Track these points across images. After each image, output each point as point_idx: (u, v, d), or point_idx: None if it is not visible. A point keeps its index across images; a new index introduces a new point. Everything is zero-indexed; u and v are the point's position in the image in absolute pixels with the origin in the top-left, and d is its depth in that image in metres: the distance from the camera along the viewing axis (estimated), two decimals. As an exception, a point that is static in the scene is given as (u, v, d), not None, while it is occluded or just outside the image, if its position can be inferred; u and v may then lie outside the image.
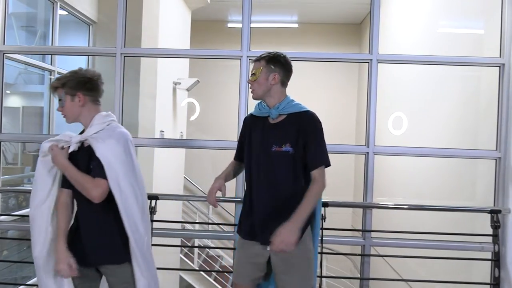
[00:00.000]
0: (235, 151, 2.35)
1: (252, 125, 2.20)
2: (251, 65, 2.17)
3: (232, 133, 3.06)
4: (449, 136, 4.23)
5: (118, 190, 1.92)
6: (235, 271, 2.20)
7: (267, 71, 2.10)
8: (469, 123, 3.87)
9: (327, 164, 2.12)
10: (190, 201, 7.86)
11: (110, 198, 1.93)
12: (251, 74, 2.14)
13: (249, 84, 2.16)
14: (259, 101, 2.19)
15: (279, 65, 2.12)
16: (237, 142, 2.34)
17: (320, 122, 2.15)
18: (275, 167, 2.08)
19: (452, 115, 4.23)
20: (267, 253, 2.09)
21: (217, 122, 7.29)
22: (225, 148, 3.08)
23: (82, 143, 2.01)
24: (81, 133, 2.07)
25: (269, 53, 2.14)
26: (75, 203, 2.05)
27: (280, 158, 2.07)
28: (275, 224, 1.96)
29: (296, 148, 2.07)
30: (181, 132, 6.67)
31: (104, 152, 1.91)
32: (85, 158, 1.97)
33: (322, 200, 2.96)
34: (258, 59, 2.14)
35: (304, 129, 2.08)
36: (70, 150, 1.99)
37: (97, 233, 2.00)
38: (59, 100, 2.02)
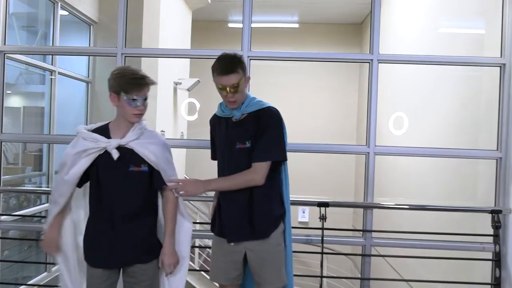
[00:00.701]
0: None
1: (216, 125, 2.24)
2: (227, 78, 2.04)
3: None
4: (449, 136, 4.23)
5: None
6: (211, 271, 2.21)
7: (244, 78, 2.10)
8: (470, 123, 3.86)
9: (273, 159, 2.09)
10: (190, 201, 7.86)
11: (154, 198, 2.07)
12: (233, 87, 2.04)
13: (231, 95, 2.06)
14: (222, 102, 2.19)
15: (245, 66, 2.12)
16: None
17: (279, 117, 2.13)
18: (239, 164, 2.09)
19: (453, 115, 4.23)
20: (242, 249, 2.11)
21: None
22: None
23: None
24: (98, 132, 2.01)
25: (236, 58, 2.08)
26: (98, 200, 2.00)
27: (243, 155, 2.09)
28: (242, 221, 2.07)
29: (254, 144, 2.10)
30: (182, 132, 6.67)
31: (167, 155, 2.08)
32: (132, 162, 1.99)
33: (322, 200, 2.97)
34: (234, 70, 2.04)
35: (260, 124, 2.09)
36: (114, 156, 1.95)
37: (142, 232, 2.03)
38: (145, 99, 1.98)
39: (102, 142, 1.95)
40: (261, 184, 2.06)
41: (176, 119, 6.29)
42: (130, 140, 1.98)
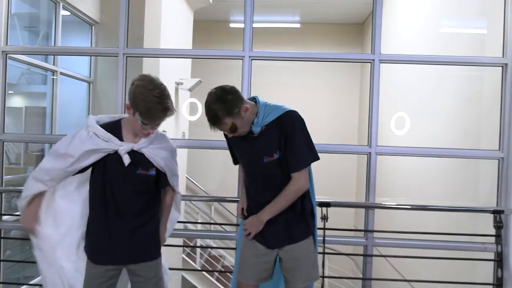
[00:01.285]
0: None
1: (231, 139, 2.19)
2: (219, 128, 2.02)
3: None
4: (451, 136, 4.23)
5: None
6: (241, 270, 2.20)
7: (238, 115, 2.00)
8: (471, 123, 3.86)
9: (309, 163, 2.11)
10: (192, 201, 7.87)
11: (157, 195, 2.11)
12: (231, 129, 2.01)
13: (235, 134, 2.05)
14: None
15: (235, 99, 1.99)
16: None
17: (300, 120, 2.09)
18: (271, 175, 2.10)
19: (454, 115, 4.22)
20: (274, 253, 2.15)
21: None
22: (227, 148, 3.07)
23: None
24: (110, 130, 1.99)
25: (218, 104, 1.96)
26: (106, 201, 1.98)
27: (273, 167, 2.08)
28: (281, 227, 2.10)
29: (282, 151, 2.07)
30: (183, 132, 6.67)
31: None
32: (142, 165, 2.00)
33: (324, 201, 2.97)
34: (219, 124, 1.99)
35: (285, 132, 2.05)
36: (126, 162, 1.94)
37: (144, 232, 2.04)
38: (158, 125, 1.97)
39: (115, 144, 1.93)
40: (307, 189, 2.12)
41: (177, 119, 6.29)
42: (143, 146, 1.98)
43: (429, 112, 4.86)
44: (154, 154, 2.00)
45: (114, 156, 1.95)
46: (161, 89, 1.86)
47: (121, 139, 1.96)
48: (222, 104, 1.95)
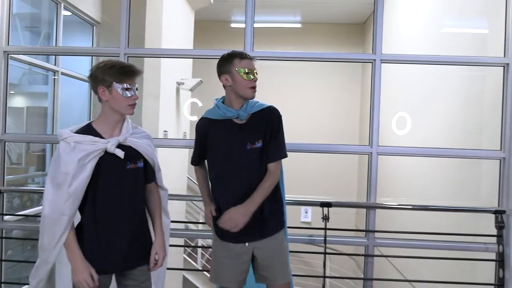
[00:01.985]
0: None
1: (211, 129, 2.16)
2: (253, 62, 2.14)
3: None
4: (453, 136, 4.22)
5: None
6: (217, 275, 2.17)
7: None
8: (473, 123, 3.85)
9: (285, 157, 2.19)
10: (193, 201, 7.87)
11: (144, 193, 2.05)
12: (256, 72, 2.12)
13: (253, 83, 2.10)
14: (217, 104, 2.17)
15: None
16: (195, 147, 2.25)
17: (281, 116, 2.21)
18: (249, 164, 2.10)
19: (456, 115, 4.22)
20: (249, 252, 2.13)
21: None
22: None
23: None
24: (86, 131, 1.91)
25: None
26: (99, 204, 1.90)
27: (255, 154, 2.11)
28: (255, 221, 2.07)
29: (264, 142, 2.13)
30: (185, 132, 6.68)
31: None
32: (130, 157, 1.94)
33: (325, 201, 2.97)
34: (253, 58, 2.15)
35: (271, 124, 2.14)
36: (121, 155, 1.88)
37: (140, 234, 2.00)
38: (137, 88, 1.94)
39: (101, 143, 1.85)
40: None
41: (178, 119, 6.30)
42: (128, 135, 1.93)
43: (430, 112, 4.85)
44: (139, 143, 1.97)
45: (102, 159, 1.87)
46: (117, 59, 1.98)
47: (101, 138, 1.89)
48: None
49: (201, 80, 6.49)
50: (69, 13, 5.03)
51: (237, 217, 2.02)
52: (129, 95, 1.86)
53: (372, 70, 3.11)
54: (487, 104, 3.57)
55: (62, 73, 5.01)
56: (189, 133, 6.91)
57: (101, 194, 1.88)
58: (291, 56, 3.60)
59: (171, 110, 6.03)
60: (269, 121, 2.14)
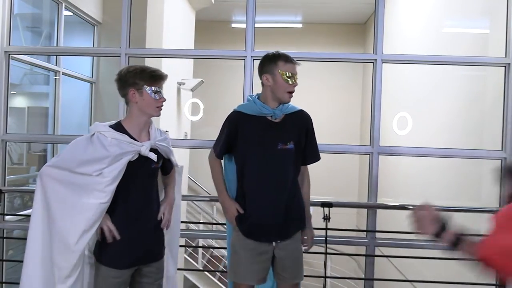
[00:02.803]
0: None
1: (244, 124, 2.16)
2: (295, 66, 2.13)
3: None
4: (454, 136, 4.22)
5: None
6: (237, 271, 2.17)
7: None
8: (474, 123, 3.85)
9: (319, 159, 2.30)
10: (194, 201, 7.87)
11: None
12: (297, 78, 2.14)
13: (293, 88, 2.12)
14: (252, 100, 2.18)
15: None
16: (222, 139, 2.21)
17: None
18: (282, 164, 2.13)
19: (457, 115, 4.22)
20: (272, 248, 2.15)
21: (221, 122, 7.25)
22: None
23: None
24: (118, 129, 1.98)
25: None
26: (130, 202, 1.98)
27: (286, 155, 2.13)
28: (286, 220, 2.13)
29: (298, 145, 2.16)
30: (185, 132, 6.68)
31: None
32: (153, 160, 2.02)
33: (326, 201, 2.97)
34: (297, 63, 2.15)
35: (306, 127, 2.23)
36: (154, 158, 1.99)
37: (159, 230, 2.10)
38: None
39: (137, 145, 1.95)
40: None
41: (179, 119, 6.30)
42: (158, 140, 2.05)
43: (431, 112, 4.85)
44: (162, 146, 2.07)
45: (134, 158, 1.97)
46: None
47: (132, 138, 1.99)
48: None
49: (202, 80, 6.49)
50: (70, 13, 5.04)
51: (312, 236, 2.28)
52: (157, 97, 1.97)
53: (373, 70, 3.11)
54: (488, 104, 3.57)
55: (63, 73, 5.01)
56: (190, 133, 6.92)
57: (131, 191, 1.98)
58: (291, 56, 3.59)
59: (172, 110, 6.03)
60: (303, 124, 2.21)
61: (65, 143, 4.22)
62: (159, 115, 2.02)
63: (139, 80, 1.94)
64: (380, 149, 3.10)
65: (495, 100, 3.19)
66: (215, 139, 2.27)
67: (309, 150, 2.24)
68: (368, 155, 3.14)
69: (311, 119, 2.26)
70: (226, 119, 2.21)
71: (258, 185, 2.14)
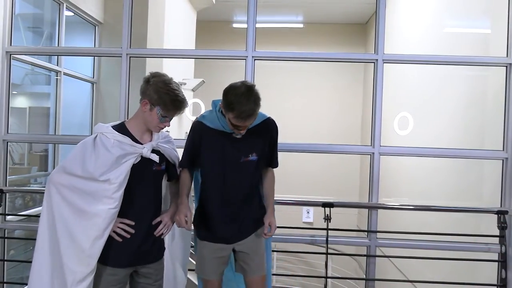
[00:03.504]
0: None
1: (206, 136, 2.18)
2: (247, 121, 2.04)
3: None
4: (455, 136, 4.21)
5: None
6: (203, 269, 2.27)
7: None
8: (476, 123, 3.84)
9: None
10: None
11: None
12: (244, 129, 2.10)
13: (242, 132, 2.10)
14: (217, 114, 2.15)
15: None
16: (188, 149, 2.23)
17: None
18: (243, 176, 2.19)
19: (458, 115, 4.21)
20: (231, 246, 2.24)
21: None
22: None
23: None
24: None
25: (258, 100, 2.03)
26: (130, 204, 1.99)
27: (248, 166, 2.18)
28: (240, 227, 2.21)
29: (261, 154, 2.21)
30: (186, 132, 6.68)
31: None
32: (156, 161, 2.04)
33: (327, 201, 2.97)
34: (255, 114, 2.05)
35: (271, 136, 2.25)
36: (156, 159, 2.01)
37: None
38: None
39: (138, 148, 1.96)
40: None
41: (180, 119, 6.30)
42: (160, 141, 2.05)
43: (433, 112, 4.84)
44: (166, 148, 2.08)
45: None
46: (176, 83, 1.99)
47: (134, 141, 1.99)
48: (258, 106, 2.03)
49: (203, 80, 6.49)
50: (71, 14, 5.04)
51: (275, 224, 2.26)
52: (163, 121, 1.97)
53: (374, 70, 3.11)
54: (489, 104, 3.56)
55: (65, 74, 5.02)
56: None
57: (132, 193, 1.98)
58: (292, 56, 3.60)
59: (173, 110, 6.02)
60: (268, 134, 2.23)
61: (67, 143, 4.25)
62: (158, 131, 2.04)
63: (158, 98, 1.92)
64: (381, 149, 3.10)
65: (497, 100, 3.18)
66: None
67: (273, 156, 2.30)
68: (369, 155, 3.13)
69: (276, 128, 2.27)
70: (191, 129, 2.25)
71: (216, 197, 2.20)
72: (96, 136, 1.94)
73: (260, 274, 2.28)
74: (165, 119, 1.96)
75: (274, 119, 2.27)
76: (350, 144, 3.40)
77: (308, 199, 3.29)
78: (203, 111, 6.40)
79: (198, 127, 2.20)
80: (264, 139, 2.22)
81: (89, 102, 5.67)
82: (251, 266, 2.26)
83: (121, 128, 1.99)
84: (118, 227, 1.96)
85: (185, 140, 2.25)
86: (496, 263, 2.97)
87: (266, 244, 2.37)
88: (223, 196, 2.18)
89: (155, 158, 2.00)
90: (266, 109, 2.20)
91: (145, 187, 2.03)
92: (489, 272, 3.07)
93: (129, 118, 2.06)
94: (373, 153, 3.10)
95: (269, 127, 2.24)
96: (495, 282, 2.98)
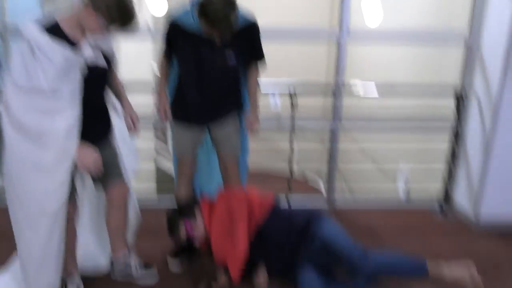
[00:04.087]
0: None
1: (180, 36, 2.18)
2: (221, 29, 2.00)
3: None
4: (423, 24, 4.15)
5: None
6: (178, 149, 2.43)
7: None
8: (442, 6, 3.79)
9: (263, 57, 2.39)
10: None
11: None
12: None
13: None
14: (191, 11, 2.11)
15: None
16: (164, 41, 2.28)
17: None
18: (222, 77, 2.26)
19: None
20: (205, 130, 2.40)
21: None
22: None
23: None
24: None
25: (234, 11, 1.99)
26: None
27: (227, 71, 2.25)
28: (217, 105, 2.31)
29: (240, 52, 2.23)
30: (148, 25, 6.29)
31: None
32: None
33: (292, 92, 3.01)
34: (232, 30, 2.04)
35: (253, 39, 2.30)
36: (102, 64, 1.92)
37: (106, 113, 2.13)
38: None
39: (79, 56, 1.80)
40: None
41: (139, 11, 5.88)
42: (98, 40, 1.89)
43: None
44: (106, 44, 1.95)
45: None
46: None
47: (71, 43, 1.79)
48: (235, 10, 1.96)
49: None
50: None
51: (256, 121, 2.39)
52: (101, 30, 1.77)
53: None
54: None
55: None
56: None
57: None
58: None
59: None
60: (250, 38, 2.25)
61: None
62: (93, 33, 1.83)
63: (105, 9, 1.71)
64: (351, 34, 3.02)
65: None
66: None
67: (255, 52, 2.32)
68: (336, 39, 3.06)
69: (257, 30, 2.26)
70: (165, 27, 2.22)
71: (196, 89, 2.26)
72: (30, 44, 1.70)
73: (231, 154, 2.45)
74: (107, 30, 1.77)
75: None
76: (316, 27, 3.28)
77: (275, 81, 3.21)
78: (164, 4, 5.95)
79: (171, 28, 2.20)
80: (243, 44, 2.21)
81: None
82: (226, 147, 2.42)
83: (54, 29, 1.76)
84: None
85: None
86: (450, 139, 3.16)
87: (242, 131, 2.49)
88: (200, 84, 2.23)
89: (102, 62, 1.90)
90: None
91: (95, 86, 1.94)
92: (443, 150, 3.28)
93: (63, 15, 1.80)
94: (341, 36, 3.02)
95: (252, 31, 2.24)
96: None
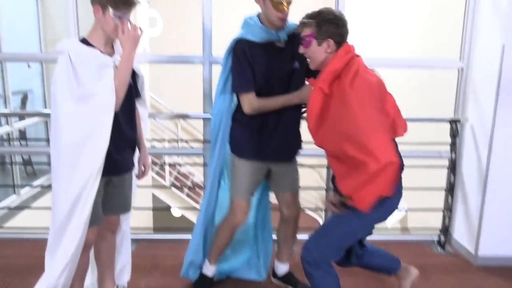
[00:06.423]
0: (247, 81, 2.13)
1: (254, 54, 2.09)
2: None
3: (198, 47, 2.93)
4: (415, 50, 4.23)
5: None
6: (241, 190, 2.27)
7: None
8: (435, 34, 3.86)
9: None
10: (157, 118, 7.77)
11: None
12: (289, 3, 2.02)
13: (285, 11, 2.02)
14: (251, 26, 2.08)
15: None
16: (244, 71, 2.11)
17: None
18: (290, 85, 2.14)
19: (419, 28, 4.21)
20: (266, 167, 2.28)
21: (185, 38, 6.74)
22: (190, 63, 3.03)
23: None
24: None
25: None
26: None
27: (296, 75, 2.15)
28: (293, 139, 2.28)
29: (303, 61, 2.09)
30: (144, 48, 6.39)
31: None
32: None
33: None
34: None
35: None
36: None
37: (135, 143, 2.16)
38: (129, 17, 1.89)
39: (110, 59, 1.87)
40: None
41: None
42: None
43: (395, 23, 4.81)
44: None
45: None
46: None
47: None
48: None
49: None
50: None
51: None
52: (119, 23, 1.82)
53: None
54: (449, 14, 3.55)
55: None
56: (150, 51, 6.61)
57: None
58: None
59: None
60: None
61: (13, 60, 3.97)
62: (117, 38, 1.88)
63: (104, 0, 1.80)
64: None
65: (456, 12, 3.15)
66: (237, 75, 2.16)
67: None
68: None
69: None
70: (233, 50, 2.12)
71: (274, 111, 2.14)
72: (67, 55, 1.79)
73: (294, 191, 2.37)
74: (121, 20, 1.83)
75: None
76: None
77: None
78: (159, 25, 6.12)
79: (243, 45, 2.08)
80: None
81: (35, 18, 5.25)
82: (284, 186, 2.34)
83: (85, 43, 1.88)
84: None
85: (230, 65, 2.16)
86: (447, 169, 3.14)
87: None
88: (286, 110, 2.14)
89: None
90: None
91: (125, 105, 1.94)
92: (440, 178, 3.26)
93: (89, 32, 1.92)
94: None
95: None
96: (444, 187, 3.17)
